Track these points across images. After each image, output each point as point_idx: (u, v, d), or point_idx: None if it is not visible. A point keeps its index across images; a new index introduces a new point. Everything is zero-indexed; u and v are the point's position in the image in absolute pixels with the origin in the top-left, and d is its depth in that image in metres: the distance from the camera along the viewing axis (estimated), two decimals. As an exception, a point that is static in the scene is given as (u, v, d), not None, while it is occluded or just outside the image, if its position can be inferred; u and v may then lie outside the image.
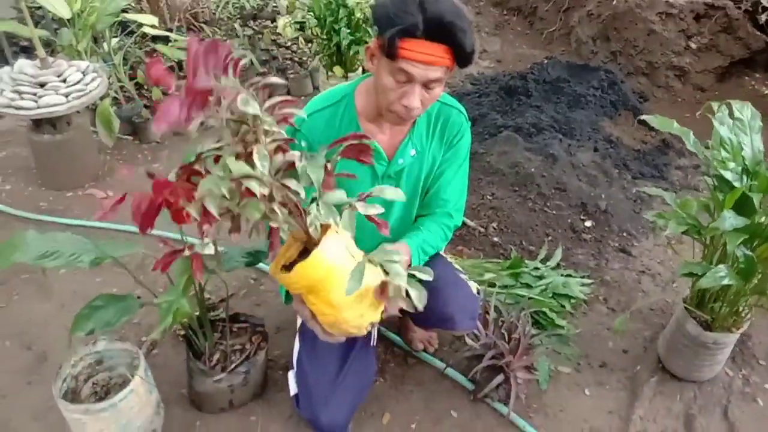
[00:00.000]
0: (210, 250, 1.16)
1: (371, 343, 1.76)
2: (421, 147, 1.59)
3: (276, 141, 1.14)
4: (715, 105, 1.82)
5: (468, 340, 1.93)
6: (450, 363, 1.98)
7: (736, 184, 1.63)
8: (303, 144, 1.49)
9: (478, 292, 1.81)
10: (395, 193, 1.22)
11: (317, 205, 1.18)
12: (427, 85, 1.36)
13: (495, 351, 1.85)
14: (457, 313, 1.68)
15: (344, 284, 1.20)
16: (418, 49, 1.28)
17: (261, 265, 2.32)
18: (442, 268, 1.71)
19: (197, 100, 1.01)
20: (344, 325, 1.30)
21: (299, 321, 1.81)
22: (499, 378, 1.84)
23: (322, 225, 1.20)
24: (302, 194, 1.16)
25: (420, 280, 1.24)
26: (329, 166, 1.20)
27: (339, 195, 1.19)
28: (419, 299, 1.22)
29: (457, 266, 1.86)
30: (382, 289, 1.24)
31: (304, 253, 1.26)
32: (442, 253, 1.84)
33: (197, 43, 1.01)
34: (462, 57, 1.33)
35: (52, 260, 1.49)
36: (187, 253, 1.16)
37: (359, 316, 1.30)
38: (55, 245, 1.51)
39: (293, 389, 1.73)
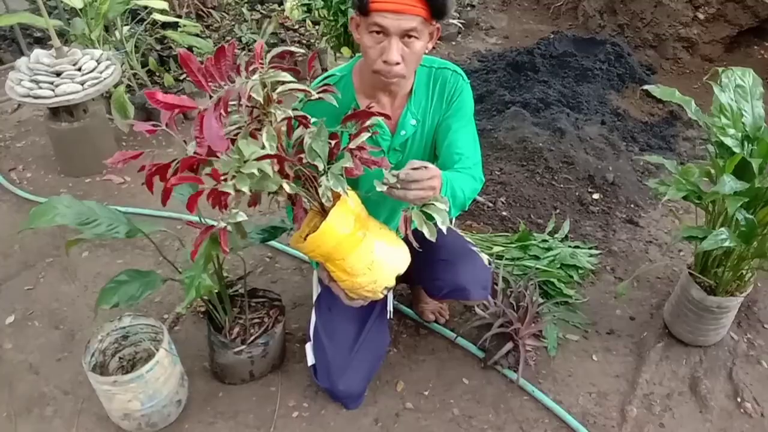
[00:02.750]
0: (242, 217, 1.24)
1: (388, 316, 1.83)
2: (421, 115, 1.62)
3: (285, 120, 1.21)
4: (721, 71, 1.84)
5: (477, 310, 1.99)
6: (460, 332, 2.04)
7: (736, 150, 1.66)
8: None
9: (489, 263, 1.86)
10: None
11: (326, 176, 1.24)
12: (404, 37, 1.37)
13: (504, 319, 1.91)
14: (470, 284, 1.72)
15: (354, 252, 1.27)
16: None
17: (275, 243, 2.40)
18: (453, 240, 1.76)
19: (223, 107, 1.12)
20: (360, 290, 1.37)
21: (315, 295, 1.88)
22: (509, 345, 1.90)
23: (333, 193, 1.26)
24: (320, 167, 1.23)
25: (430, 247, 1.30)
26: (333, 143, 1.27)
27: (344, 162, 1.26)
28: (443, 223, 1.28)
29: (468, 239, 1.92)
30: (405, 219, 1.29)
31: None
32: (453, 227, 1.89)
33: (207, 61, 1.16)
34: (434, 4, 1.35)
35: (93, 227, 1.54)
36: (221, 225, 1.25)
37: (373, 282, 1.37)
38: (94, 214, 1.56)
39: (311, 360, 1.81)
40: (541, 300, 2.04)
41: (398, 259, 1.44)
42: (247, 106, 1.18)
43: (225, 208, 1.22)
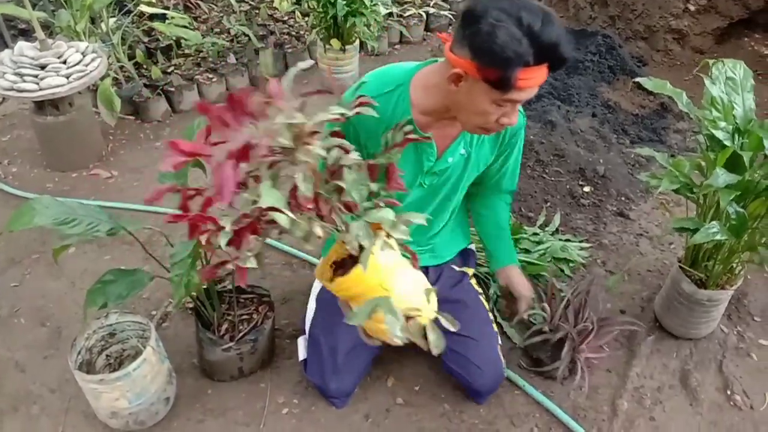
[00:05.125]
0: (252, 263, 1.14)
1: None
2: (471, 147, 1.57)
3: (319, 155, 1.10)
4: (711, 62, 1.83)
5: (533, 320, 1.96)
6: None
7: (727, 143, 1.65)
8: (352, 131, 1.45)
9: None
10: (420, 218, 1.20)
11: (357, 223, 1.15)
12: None
13: (562, 333, 1.86)
14: (482, 387, 1.77)
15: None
16: (531, 76, 1.21)
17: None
18: (469, 320, 1.73)
19: (242, 156, 1.03)
20: (381, 334, 1.35)
21: (315, 288, 1.85)
22: (567, 358, 1.86)
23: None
24: (353, 209, 1.17)
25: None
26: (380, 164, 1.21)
27: (383, 214, 1.16)
28: (437, 345, 1.22)
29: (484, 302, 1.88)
30: (407, 318, 1.23)
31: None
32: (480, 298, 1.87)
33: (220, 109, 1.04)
34: (561, 67, 1.28)
35: (71, 227, 1.51)
36: (230, 266, 1.15)
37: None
38: (74, 213, 1.53)
39: (302, 354, 1.80)
40: (531, 295, 2.02)
41: (424, 311, 1.43)
42: (272, 151, 1.07)
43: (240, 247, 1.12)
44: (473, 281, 1.91)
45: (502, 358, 1.79)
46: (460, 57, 1.25)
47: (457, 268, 1.88)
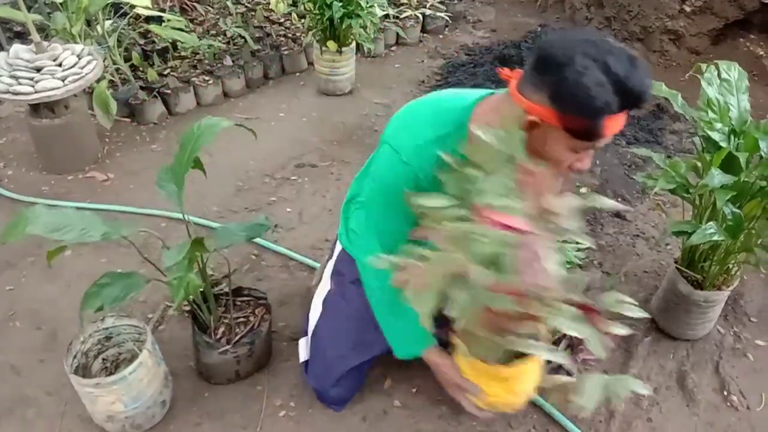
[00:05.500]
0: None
1: None
2: None
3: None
4: (704, 67, 1.84)
5: None
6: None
7: (723, 144, 1.66)
8: (413, 179, 1.36)
9: None
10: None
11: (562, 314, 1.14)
12: None
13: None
14: None
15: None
16: (617, 123, 1.15)
17: (261, 240, 2.38)
18: None
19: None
20: (505, 408, 1.37)
21: (322, 291, 1.82)
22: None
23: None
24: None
25: None
26: None
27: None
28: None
29: None
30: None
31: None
32: None
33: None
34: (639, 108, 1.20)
35: (64, 234, 1.51)
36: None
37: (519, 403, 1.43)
38: (66, 220, 1.53)
39: (303, 356, 1.79)
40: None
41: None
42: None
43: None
44: None
45: None
46: (535, 102, 1.17)
47: None
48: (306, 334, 1.82)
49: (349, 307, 1.72)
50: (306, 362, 1.80)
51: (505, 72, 1.29)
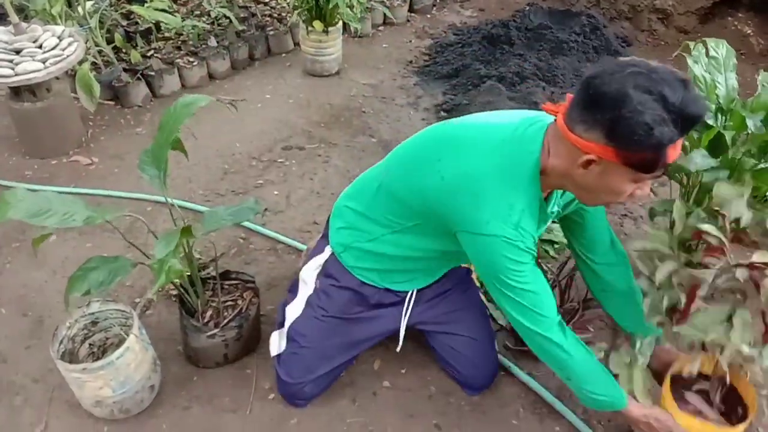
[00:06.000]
0: None
1: (397, 348, 1.79)
2: (560, 205, 1.48)
3: None
4: (691, 45, 1.83)
5: None
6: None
7: (710, 122, 1.65)
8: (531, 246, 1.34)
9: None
10: None
11: None
12: None
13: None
14: (472, 377, 1.82)
15: None
16: (677, 149, 1.13)
17: (249, 224, 2.36)
18: (471, 318, 1.81)
19: None
20: None
21: (306, 290, 1.75)
22: None
23: None
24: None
25: None
26: None
27: None
28: None
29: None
30: None
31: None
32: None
33: None
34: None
35: (46, 218, 1.48)
36: None
37: None
38: (48, 204, 1.51)
39: (276, 349, 1.75)
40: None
41: None
42: None
43: None
44: (474, 276, 1.91)
45: (497, 355, 1.86)
46: (589, 141, 1.14)
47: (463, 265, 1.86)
48: (281, 326, 1.77)
49: (333, 309, 1.69)
50: (278, 356, 1.75)
51: (549, 107, 1.24)
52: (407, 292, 1.71)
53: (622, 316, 1.67)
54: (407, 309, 1.73)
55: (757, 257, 1.25)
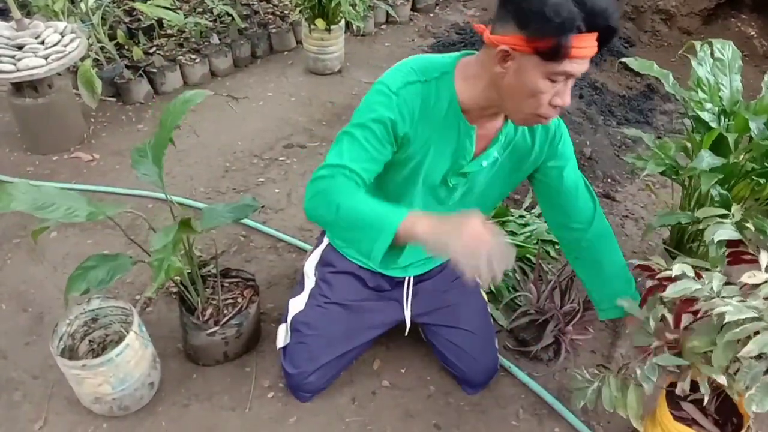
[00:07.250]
0: None
1: (405, 333, 1.81)
2: (503, 150, 1.48)
3: None
4: (697, 45, 1.83)
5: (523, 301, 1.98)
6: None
7: (713, 124, 1.65)
8: (396, 113, 1.32)
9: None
10: None
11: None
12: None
13: (548, 315, 1.89)
14: (472, 373, 1.81)
15: None
16: (584, 45, 1.13)
17: (249, 221, 2.36)
18: (469, 313, 1.81)
19: None
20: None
21: (308, 286, 1.79)
22: (549, 338, 1.87)
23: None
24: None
25: None
26: None
27: None
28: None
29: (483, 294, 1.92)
30: None
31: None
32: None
33: None
34: (609, 39, 1.19)
35: (50, 212, 1.48)
36: None
37: None
38: (52, 198, 1.50)
39: (282, 342, 1.78)
40: (518, 277, 2.02)
41: None
42: None
43: None
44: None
45: (497, 351, 1.85)
46: (504, 35, 1.19)
47: None
48: (286, 321, 1.80)
49: (334, 296, 1.72)
50: (284, 348, 1.78)
51: (479, 26, 1.29)
52: (403, 279, 1.75)
53: (592, 286, 1.69)
54: (407, 295, 1.76)
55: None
